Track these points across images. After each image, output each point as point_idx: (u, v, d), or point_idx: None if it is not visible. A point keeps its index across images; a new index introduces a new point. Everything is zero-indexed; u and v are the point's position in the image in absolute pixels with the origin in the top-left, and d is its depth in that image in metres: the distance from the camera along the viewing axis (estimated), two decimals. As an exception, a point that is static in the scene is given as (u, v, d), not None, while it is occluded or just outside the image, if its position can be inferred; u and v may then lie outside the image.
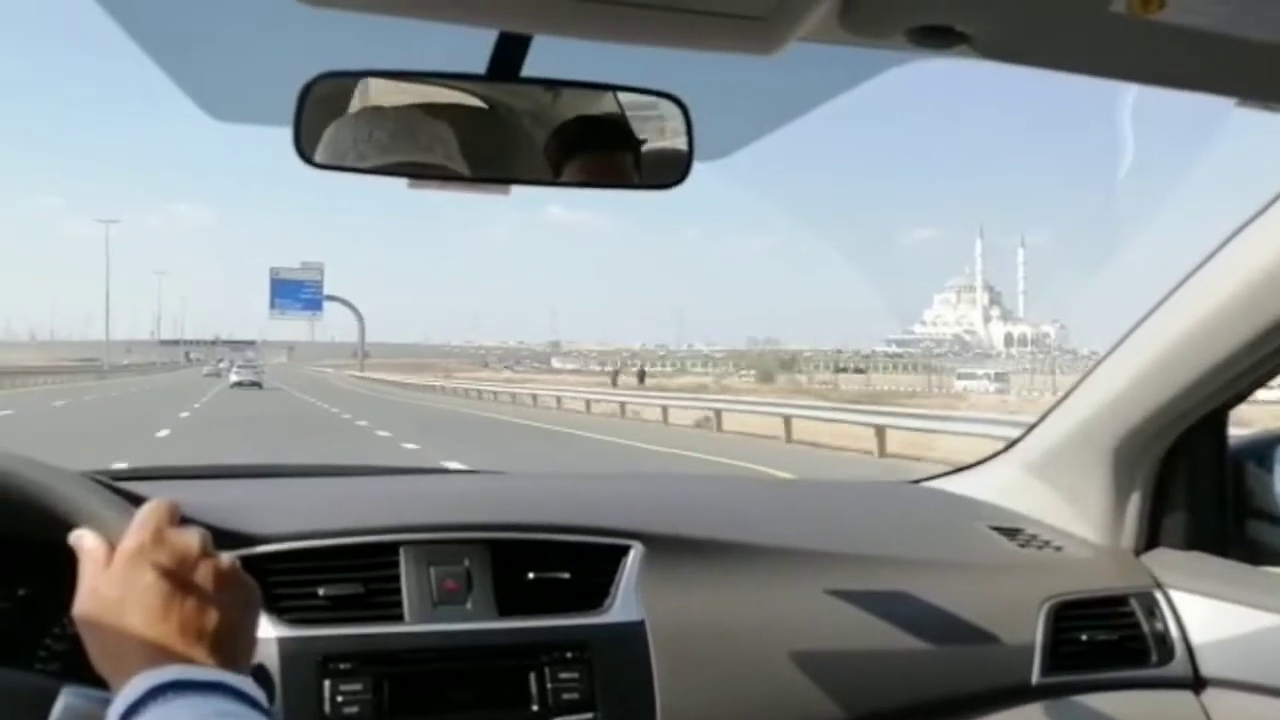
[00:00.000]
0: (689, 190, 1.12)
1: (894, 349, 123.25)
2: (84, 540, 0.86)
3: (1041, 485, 1.84)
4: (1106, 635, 1.60)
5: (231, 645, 0.81)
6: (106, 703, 0.75)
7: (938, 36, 0.84)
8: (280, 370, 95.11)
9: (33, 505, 1.00)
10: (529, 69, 0.99)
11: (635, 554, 1.46)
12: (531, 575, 1.41)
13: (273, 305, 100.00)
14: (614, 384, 47.41)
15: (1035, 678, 1.55)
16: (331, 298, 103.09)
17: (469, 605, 1.37)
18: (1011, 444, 1.96)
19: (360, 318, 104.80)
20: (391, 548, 1.39)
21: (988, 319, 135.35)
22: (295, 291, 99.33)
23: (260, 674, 1.23)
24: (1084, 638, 1.59)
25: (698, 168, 1.09)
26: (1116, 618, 1.62)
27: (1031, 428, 1.91)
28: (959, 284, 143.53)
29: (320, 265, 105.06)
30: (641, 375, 55.03)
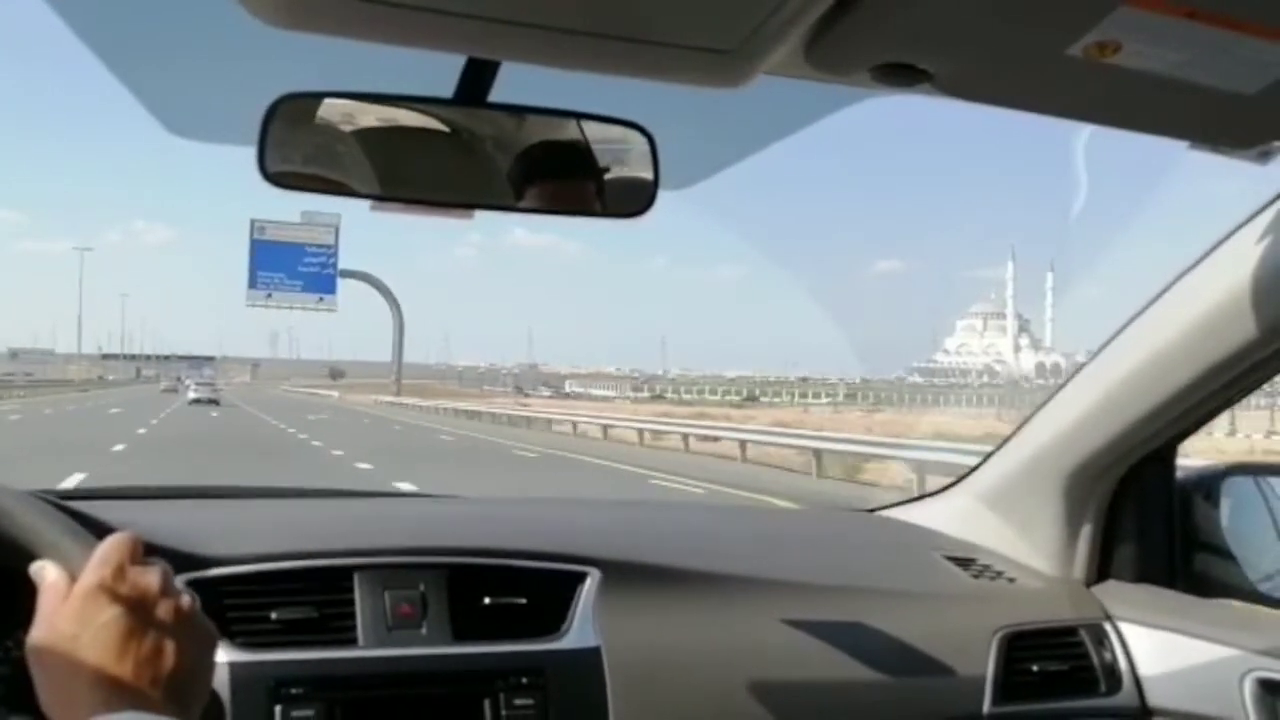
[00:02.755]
0: (653, 220, 1.12)
1: (917, 379, 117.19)
2: (46, 572, 0.83)
3: (995, 516, 1.86)
4: (1057, 666, 1.62)
5: (186, 688, 0.79)
6: None
7: (901, 74, 0.85)
8: (248, 392, 72.77)
9: None
10: (496, 95, 0.99)
11: (592, 580, 1.46)
12: (487, 600, 1.41)
13: (254, 283, 61.18)
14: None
15: (987, 708, 1.56)
16: (352, 274, 64.85)
17: (424, 630, 1.36)
18: (966, 475, 1.98)
19: (399, 312, 65.74)
20: (345, 572, 1.38)
21: (1017, 348, 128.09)
22: (292, 260, 61.35)
23: (211, 699, 1.21)
24: (1035, 668, 1.60)
25: (665, 197, 1.10)
26: (1067, 648, 1.64)
27: (985, 459, 1.93)
28: (984, 311, 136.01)
29: (334, 220, 62.27)
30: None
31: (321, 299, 62.80)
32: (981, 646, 1.59)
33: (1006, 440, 1.89)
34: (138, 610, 0.79)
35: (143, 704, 0.75)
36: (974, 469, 1.96)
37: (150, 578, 0.81)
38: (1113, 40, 0.80)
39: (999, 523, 1.85)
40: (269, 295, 62.22)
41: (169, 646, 0.79)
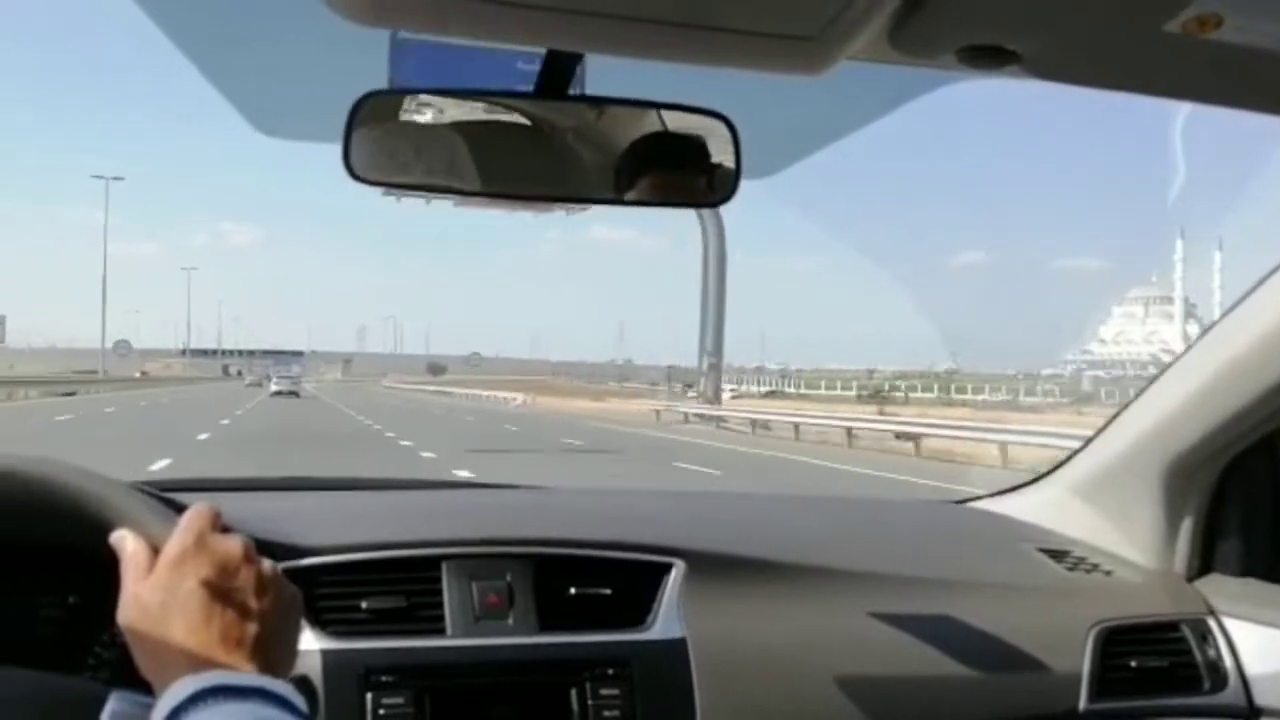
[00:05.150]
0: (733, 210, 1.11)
1: (1073, 372, 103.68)
2: (126, 542, 0.87)
3: (1089, 508, 1.81)
4: (1157, 662, 1.57)
5: (272, 651, 0.82)
6: (151, 708, 0.77)
7: (989, 56, 0.83)
8: (352, 395, 57.32)
9: (79, 512, 1.02)
10: (576, 87, 0.99)
11: (677, 571, 1.46)
12: (573, 591, 1.42)
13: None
14: None
15: (1083, 704, 1.52)
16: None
17: (511, 620, 1.38)
18: (1058, 466, 1.94)
19: (720, 239, 40.40)
20: (434, 561, 1.40)
21: (1186, 336, 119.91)
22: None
23: (304, 685, 1.23)
24: (1133, 664, 1.56)
25: (750, 186, 1.09)
26: (1167, 644, 1.59)
27: (1079, 450, 1.88)
28: (1146, 295, 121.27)
29: None
30: None
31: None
32: (1077, 641, 1.55)
33: (1100, 430, 1.84)
34: (220, 578, 0.82)
35: (230, 666, 0.78)
36: (1066, 459, 1.91)
37: (231, 546, 0.85)
38: (1213, 15, 0.77)
39: (1093, 515, 1.80)
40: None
41: (253, 610, 0.82)
